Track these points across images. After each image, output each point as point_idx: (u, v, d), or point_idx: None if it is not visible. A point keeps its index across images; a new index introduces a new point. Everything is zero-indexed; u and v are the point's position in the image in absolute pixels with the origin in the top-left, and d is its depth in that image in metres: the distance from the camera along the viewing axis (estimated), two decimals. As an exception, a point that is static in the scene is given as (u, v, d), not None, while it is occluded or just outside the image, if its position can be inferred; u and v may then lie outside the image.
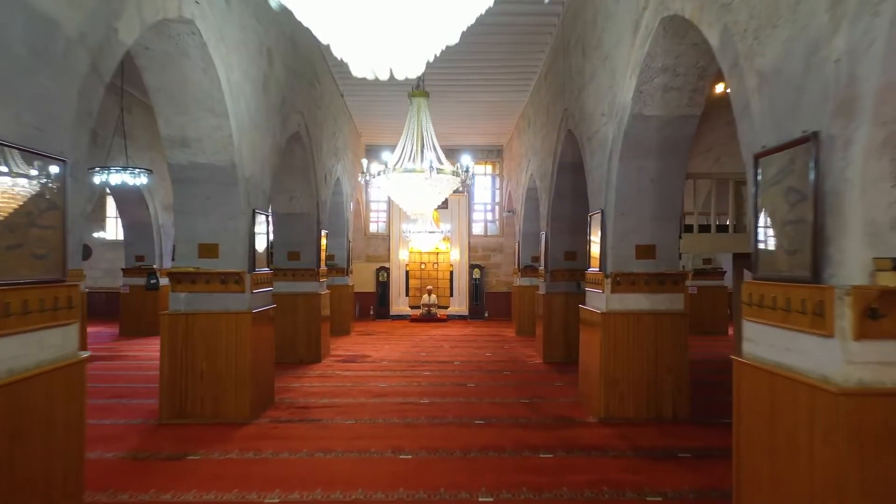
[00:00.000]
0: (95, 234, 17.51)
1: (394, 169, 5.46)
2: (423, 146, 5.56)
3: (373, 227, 18.42)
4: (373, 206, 18.41)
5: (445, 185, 5.61)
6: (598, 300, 6.51)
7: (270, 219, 7.06)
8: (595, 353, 6.39)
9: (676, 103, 5.65)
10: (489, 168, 18.53)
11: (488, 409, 6.79)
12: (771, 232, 3.02)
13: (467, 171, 5.83)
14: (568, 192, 9.64)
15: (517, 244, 14.35)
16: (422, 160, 5.60)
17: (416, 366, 9.60)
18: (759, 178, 3.15)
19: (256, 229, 6.47)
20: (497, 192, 18.50)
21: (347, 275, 13.83)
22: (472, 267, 17.83)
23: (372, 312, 17.61)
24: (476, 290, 17.82)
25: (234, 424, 6.03)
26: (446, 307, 17.58)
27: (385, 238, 18.02)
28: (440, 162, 5.62)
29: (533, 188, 12.41)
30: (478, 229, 18.42)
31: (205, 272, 6.16)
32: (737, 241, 6.34)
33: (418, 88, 5.89)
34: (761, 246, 3.13)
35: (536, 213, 13.03)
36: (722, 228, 6.48)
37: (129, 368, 9.38)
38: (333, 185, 11.77)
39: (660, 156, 5.98)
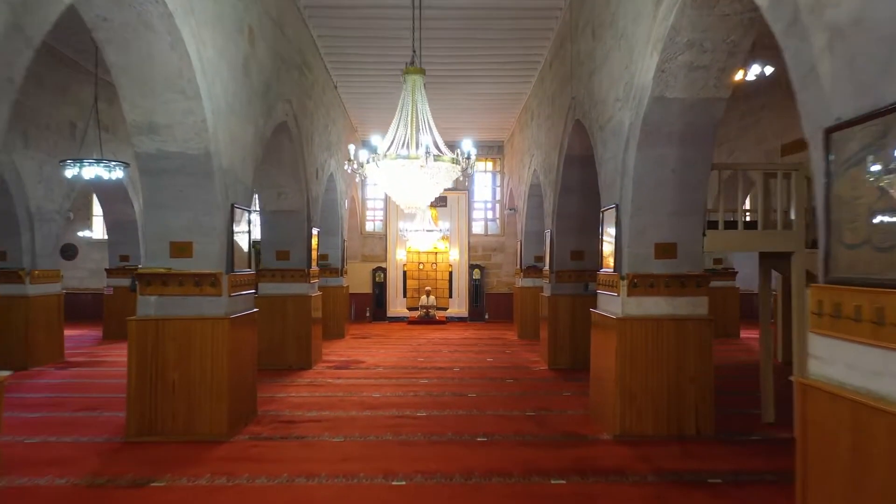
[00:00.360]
0: (81, 234, 16.88)
1: (385, 156, 4.82)
2: (418, 130, 4.93)
3: (369, 226, 17.81)
4: (369, 203, 17.80)
5: (444, 175, 4.96)
6: (612, 304, 5.90)
7: (253, 216, 6.47)
8: (609, 363, 5.78)
9: (702, 84, 5.05)
10: (490, 165, 17.92)
11: (491, 423, 6.18)
12: (852, 224, 2.41)
13: (469, 157, 5.17)
14: (575, 187, 9.05)
15: (519, 243, 13.75)
16: (417, 146, 4.96)
17: (412, 373, 8.98)
18: (832, 158, 2.54)
19: (236, 226, 5.86)
20: (498, 189, 17.89)
21: (342, 275, 13.22)
22: (471, 267, 17.23)
23: (368, 314, 16.99)
24: (476, 292, 17.21)
25: (210, 443, 5.42)
26: (445, 309, 16.97)
27: (382, 237, 17.41)
28: (438, 148, 4.98)
29: (536, 184, 11.82)
30: (478, 228, 17.81)
31: (177, 273, 5.55)
32: (767, 239, 5.73)
33: (412, 64, 5.24)
34: (836, 242, 2.52)
35: (540, 211, 12.44)
36: (750, 225, 5.87)
37: (107, 376, 8.76)
38: (326, 180, 11.16)
39: (682, 143, 5.38)
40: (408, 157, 4.76)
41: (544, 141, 10.52)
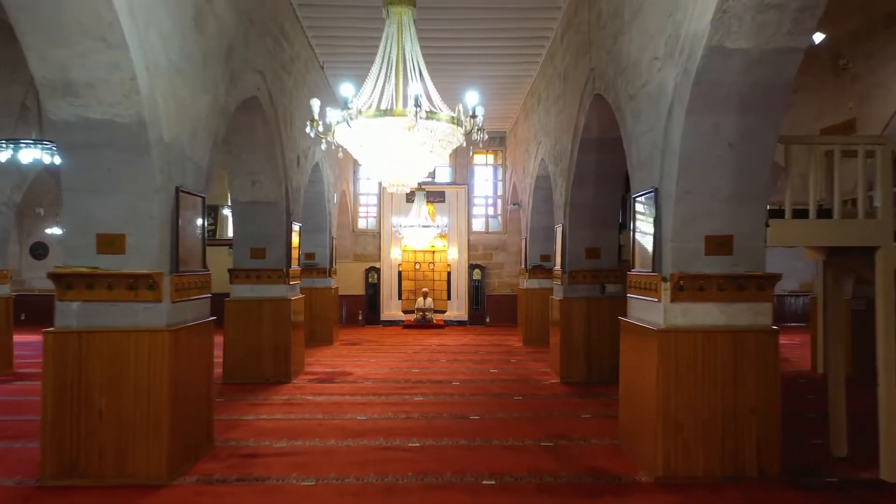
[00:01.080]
0: (50, 231, 15.68)
1: (360, 113, 3.62)
2: (406, 81, 3.74)
3: (361, 223, 16.64)
4: (362, 199, 16.64)
5: (441, 139, 3.71)
6: (650, 312, 4.76)
7: (208, 204, 5.32)
8: (647, 385, 4.65)
9: (774, 30, 3.90)
10: (491, 158, 16.77)
11: (499, 457, 5.03)
12: None
13: (474, 116, 3.93)
14: (590, 176, 7.93)
15: (524, 241, 12.60)
16: (405, 102, 3.78)
17: (405, 388, 7.83)
18: None
19: (182, 215, 4.72)
20: (499, 183, 16.74)
21: (330, 276, 12.07)
22: (471, 267, 16.07)
23: (361, 318, 15.83)
24: (476, 293, 16.05)
25: (145, 488, 4.28)
26: (443, 312, 15.81)
27: (375, 235, 16.25)
28: (432, 104, 3.78)
29: (544, 176, 10.69)
30: (478, 225, 16.64)
31: (105, 274, 4.40)
32: (845, 231, 4.61)
33: (399, -6, 4.01)
34: None
35: (546, 205, 11.33)
36: (823, 213, 4.74)
37: (53, 392, 7.58)
38: (311, 170, 10.01)
39: (744, 109, 4.24)
40: (391, 114, 3.56)
41: (554, 125, 9.38)
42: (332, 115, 3.72)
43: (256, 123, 7.28)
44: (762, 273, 4.51)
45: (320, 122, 3.74)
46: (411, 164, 3.82)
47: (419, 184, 14.02)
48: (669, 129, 4.52)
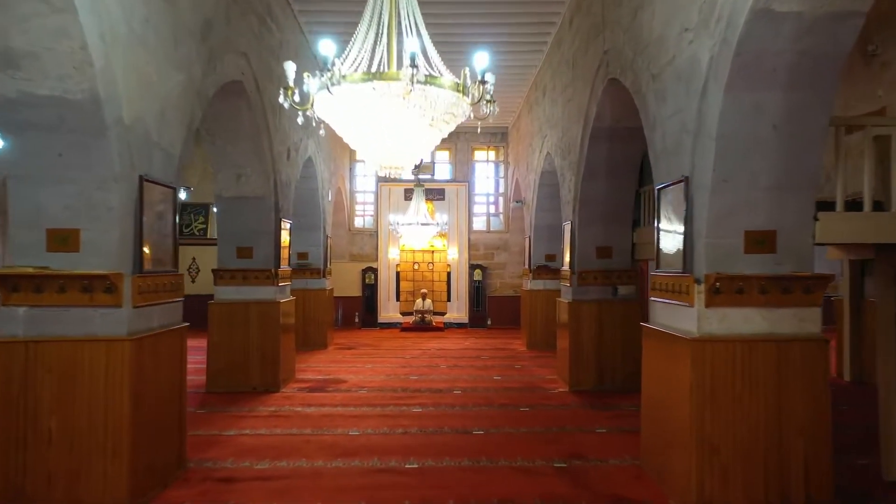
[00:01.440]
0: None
1: (343, 77, 2.99)
2: (399, 36, 3.10)
3: (358, 222, 16.05)
4: (358, 197, 16.05)
5: (443, 109, 3.09)
6: (680, 317, 4.19)
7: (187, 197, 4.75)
8: (678, 401, 4.08)
9: (831, -11, 3.35)
10: (492, 154, 16.19)
11: (508, 481, 4.46)
12: None
13: (484, 81, 3.27)
14: (601, 169, 7.38)
15: (527, 240, 12.03)
16: (399, 63, 3.15)
17: (402, 397, 7.25)
18: None
19: (147, 208, 4.14)
20: (501, 181, 16.16)
21: (324, 277, 11.48)
22: (472, 267, 15.49)
23: (357, 320, 15.25)
24: (477, 295, 15.47)
25: (100, 521, 3.71)
26: (443, 314, 15.23)
27: (372, 234, 15.66)
28: (431, 67, 3.14)
29: (549, 171, 10.13)
30: (479, 224, 16.05)
31: (56, 274, 3.84)
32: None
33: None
34: None
35: (552, 203, 10.78)
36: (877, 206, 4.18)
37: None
38: (303, 164, 9.44)
39: (792, 84, 3.67)
40: (381, 78, 2.94)
41: (561, 116, 8.82)
42: (313, 83, 3.11)
43: (241, 112, 6.71)
44: (810, 273, 3.94)
45: (296, 91, 3.13)
46: (406, 140, 3.20)
47: (418, 179, 13.56)
48: (703, 109, 3.95)
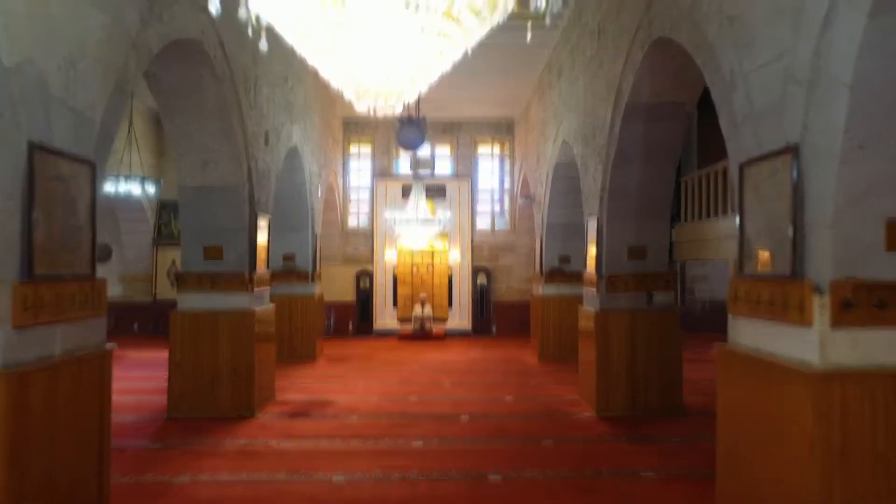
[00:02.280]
0: None
1: None
2: None
3: (352, 221, 14.84)
4: (352, 194, 14.85)
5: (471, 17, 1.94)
6: (787, 341, 3.01)
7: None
8: (790, 460, 2.90)
9: None
10: (497, 148, 15.01)
11: (543, 562, 3.28)
12: None
13: None
14: (636, 153, 6.25)
15: (539, 240, 10.85)
16: None
17: (401, 427, 6.06)
18: None
19: (43, 187, 2.97)
20: (506, 176, 14.98)
21: (313, 281, 10.31)
22: (475, 271, 14.30)
23: (350, 329, 14.05)
24: (481, 300, 14.29)
25: None
26: (444, 321, 14.02)
27: (368, 235, 14.48)
28: None
29: (565, 162, 8.98)
30: (483, 223, 14.85)
31: None
32: None
33: None
34: None
35: (567, 199, 9.65)
36: None
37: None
38: (286, 154, 8.27)
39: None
40: None
41: (583, 96, 7.66)
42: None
43: (205, 82, 5.56)
44: (980, 280, 2.77)
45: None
46: (404, 60, 2.02)
47: (416, 173, 12.41)
48: (824, 47, 2.78)
